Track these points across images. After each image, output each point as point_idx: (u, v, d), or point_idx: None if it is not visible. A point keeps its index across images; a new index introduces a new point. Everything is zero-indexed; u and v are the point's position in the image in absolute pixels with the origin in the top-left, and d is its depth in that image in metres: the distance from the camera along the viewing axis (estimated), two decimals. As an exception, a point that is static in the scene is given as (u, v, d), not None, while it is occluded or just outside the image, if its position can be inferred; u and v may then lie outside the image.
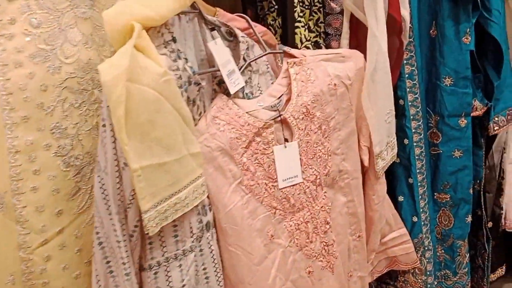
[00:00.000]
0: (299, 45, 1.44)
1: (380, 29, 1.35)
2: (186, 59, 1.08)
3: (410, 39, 1.56)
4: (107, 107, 0.93)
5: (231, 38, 1.26)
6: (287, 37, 1.44)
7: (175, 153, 0.99)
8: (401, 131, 1.61)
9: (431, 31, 1.61)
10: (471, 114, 1.66)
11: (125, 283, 1.01)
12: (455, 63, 1.59)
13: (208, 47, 1.17)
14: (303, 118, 1.26)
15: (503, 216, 1.95)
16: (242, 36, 1.26)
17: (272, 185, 1.24)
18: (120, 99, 0.87)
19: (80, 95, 1.05)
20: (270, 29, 1.47)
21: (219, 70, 1.17)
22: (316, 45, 1.48)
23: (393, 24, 1.43)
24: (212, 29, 1.20)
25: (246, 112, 1.20)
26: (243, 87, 1.23)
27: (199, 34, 1.18)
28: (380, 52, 1.35)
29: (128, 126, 0.90)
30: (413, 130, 1.62)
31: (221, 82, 1.20)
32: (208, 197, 1.15)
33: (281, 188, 1.25)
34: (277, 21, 1.49)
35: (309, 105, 1.27)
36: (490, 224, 1.90)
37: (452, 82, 1.61)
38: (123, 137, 0.89)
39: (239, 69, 1.22)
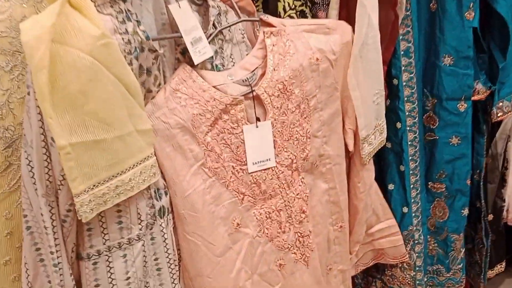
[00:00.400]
0: (282, 14, 1.31)
1: (371, -2, 1.22)
2: (138, 21, 0.94)
3: (407, 13, 1.42)
4: (31, 72, 0.80)
5: (200, 1, 1.13)
6: (268, 4, 1.30)
7: (117, 129, 0.87)
8: (394, 114, 1.50)
9: (431, 5, 1.46)
10: (472, 98, 1.53)
11: (53, 275, 0.89)
12: (456, 41, 1.45)
13: (170, 11, 1.04)
14: (279, 95, 1.14)
15: (505, 209, 1.84)
16: (213, 0, 1.13)
17: (240, 169, 1.12)
18: (43, 63, 0.75)
19: (12, 57, 0.92)
20: (250, -5, 1.33)
21: (181, 37, 1.04)
22: (302, 15, 1.34)
23: (388, -6, 1.31)
24: (176, -10, 1.07)
25: (213, 86, 1.09)
26: (212, 57, 1.11)
27: (160, -5, 1.05)
28: (370, 25, 1.22)
29: (55, 95, 0.77)
30: (407, 113, 1.50)
31: (185, 51, 1.08)
32: (164, 179, 1.03)
33: (251, 173, 1.14)
34: (259, -14, 1.36)
35: (286, 81, 1.14)
36: (490, 217, 1.79)
37: (452, 62, 1.47)
38: (47, 107, 0.77)
39: (208, 37, 1.09)
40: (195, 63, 1.06)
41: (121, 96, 0.87)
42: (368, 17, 1.21)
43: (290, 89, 1.15)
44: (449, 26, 1.45)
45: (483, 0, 1.46)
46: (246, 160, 1.12)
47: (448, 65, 1.48)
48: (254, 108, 1.13)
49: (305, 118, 1.18)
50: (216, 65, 1.14)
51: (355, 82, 1.22)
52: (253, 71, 1.15)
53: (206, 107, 1.07)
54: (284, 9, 1.31)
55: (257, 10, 1.29)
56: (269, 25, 1.19)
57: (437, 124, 1.54)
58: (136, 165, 0.91)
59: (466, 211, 1.62)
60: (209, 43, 1.10)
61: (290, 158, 1.18)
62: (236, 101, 1.09)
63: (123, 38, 0.91)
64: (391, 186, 1.55)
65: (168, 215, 1.03)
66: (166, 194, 1.03)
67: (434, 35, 1.47)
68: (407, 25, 1.44)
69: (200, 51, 1.07)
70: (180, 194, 1.06)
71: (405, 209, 1.55)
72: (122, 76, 0.87)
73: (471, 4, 1.42)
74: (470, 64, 1.48)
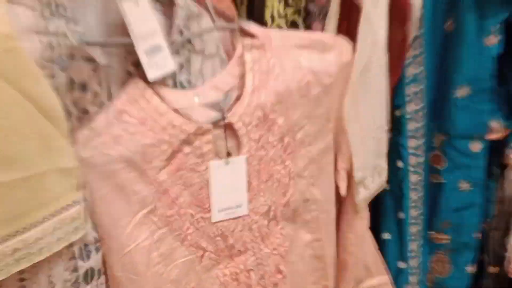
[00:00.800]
0: (268, 23, 1.10)
1: (378, 12, 1.04)
2: (69, 18, 0.70)
3: (421, 31, 1.23)
4: None
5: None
6: (253, 10, 1.09)
7: (21, 168, 0.62)
8: (394, 151, 1.29)
9: (447, 24, 1.26)
10: (487, 137, 1.33)
11: None
12: (474, 70, 1.25)
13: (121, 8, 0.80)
14: (257, 124, 0.92)
15: (506, 260, 1.65)
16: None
17: (202, 217, 0.89)
18: None
19: None
20: (234, -2, 1.12)
21: (132, 44, 0.80)
22: (293, 25, 1.14)
23: (398, 9, 1.12)
24: (131, -18, 0.83)
25: (173, 109, 0.86)
26: (175, 72, 0.88)
27: (109, -13, 0.81)
28: (376, 44, 1.04)
29: None
30: (410, 151, 1.30)
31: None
32: (97, 231, 0.79)
33: (215, 222, 0.91)
34: (244, -12, 1.15)
35: (268, 107, 0.92)
36: (493, 269, 1.59)
37: (467, 94, 1.27)
38: None
39: (170, 45, 0.86)
40: (149, 79, 0.82)
41: (31, 121, 0.62)
42: (374, 34, 1.03)
43: (272, 118, 0.93)
44: (467, 52, 1.24)
45: (505, 23, 1.25)
46: (209, 207, 0.89)
47: (462, 97, 1.28)
48: (226, 139, 0.90)
49: (289, 154, 0.96)
50: (181, 82, 0.91)
51: (353, 113, 1.03)
52: (226, 92, 0.92)
53: (162, 136, 0.83)
54: (272, 16, 1.10)
55: (240, 16, 1.07)
56: (251, 35, 0.97)
57: (444, 165, 1.34)
58: (49, 218, 0.67)
59: (470, 268, 1.43)
60: (173, 53, 0.87)
61: (267, 204, 0.95)
62: (202, 130, 0.86)
63: (42, 41, 0.66)
64: (386, 236, 1.36)
65: (98, 279, 0.79)
66: (97, 250, 0.78)
67: (448, 61, 1.27)
68: (417, 47, 1.24)
69: (158, 63, 0.83)
70: (118, 251, 0.81)
71: (402, 265, 1.36)
72: (35, 94, 0.62)
73: (495, 27, 1.22)
74: (488, 98, 1.28)
